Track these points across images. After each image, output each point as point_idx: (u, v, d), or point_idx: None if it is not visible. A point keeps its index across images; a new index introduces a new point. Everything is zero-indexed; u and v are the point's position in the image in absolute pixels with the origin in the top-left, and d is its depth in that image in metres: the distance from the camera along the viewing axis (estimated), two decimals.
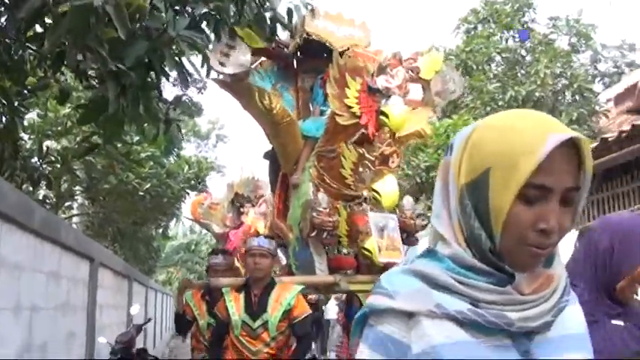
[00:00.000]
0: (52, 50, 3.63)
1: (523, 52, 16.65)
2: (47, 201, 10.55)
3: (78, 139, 9.21)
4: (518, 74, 16.32)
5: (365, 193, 5.07)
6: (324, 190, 4.99)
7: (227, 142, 27.62)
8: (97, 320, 7.44)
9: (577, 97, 15.40)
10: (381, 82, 4.64)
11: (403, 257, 4.94)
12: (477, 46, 16.58)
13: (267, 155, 6.07)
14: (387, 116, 4.60)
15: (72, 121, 9.02)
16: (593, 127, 15.29)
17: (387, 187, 4.83)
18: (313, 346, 8.25)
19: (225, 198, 9.54)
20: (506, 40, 17.32)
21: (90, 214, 12.58)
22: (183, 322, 5.54)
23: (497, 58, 17.13)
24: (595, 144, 8.64)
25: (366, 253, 4.92)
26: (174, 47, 3.69)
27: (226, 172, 28.20)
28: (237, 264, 6.67)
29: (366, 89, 4.74)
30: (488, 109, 15.31)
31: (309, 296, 6.10)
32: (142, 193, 10.77)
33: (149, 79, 3.75)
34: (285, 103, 5.47)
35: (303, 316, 4.47)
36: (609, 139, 8.10)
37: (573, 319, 1.24)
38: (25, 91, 5.34)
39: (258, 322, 4.26)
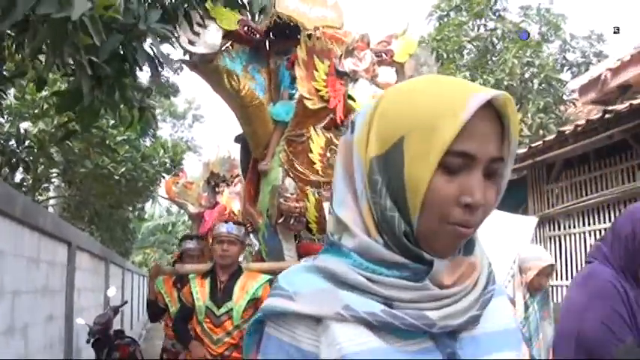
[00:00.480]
0: (33, 53, 3.79)
1: (494, 40, 16.38)
2: (24, 184, 10.58)
3: (55, 122, 9.00)
4: (489, 62, 16.19)
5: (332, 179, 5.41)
6: (293, 176, 4.82)
7: (203, 122, 27.51)
8: (75, 303, 7.43)
9: (544, 86, 15.32)
10: (348, 64, 4.51)
11: None
12: (448, 34, 16.37)
13: (238, 139, 5.84)
14: (354, 100, 4.46)
15: (48, 104, 8.83)
16: (561, 115, 15.28)
17: None
18: None
19: (201, 177, 9.21)
20: (478, 28, 17.04)
21: (66, 197, 12.42)
22: (155, 310, 5.40)
23: (469, 46, 16.90)
24: (553, 136, 8.77)
25: None
26: (146, 40, 3.91)
27: (202, 152, 28.08)
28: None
29: (334, 72, 4.58)
30: None
31: None
32: (117, 177, 10.60)
33: (123, 69, 3.76)
34: (257, 85, 5.27)
35: None
36: (566, 132, 8.14)
37: (501, 312, 1.09)
38: (3, 77, 5.28)
39: (223, 310, 4.15)
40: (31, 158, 8.63)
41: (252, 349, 1.04)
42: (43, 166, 10.32)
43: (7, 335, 4.69)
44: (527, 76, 15.34)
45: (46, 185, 12.03)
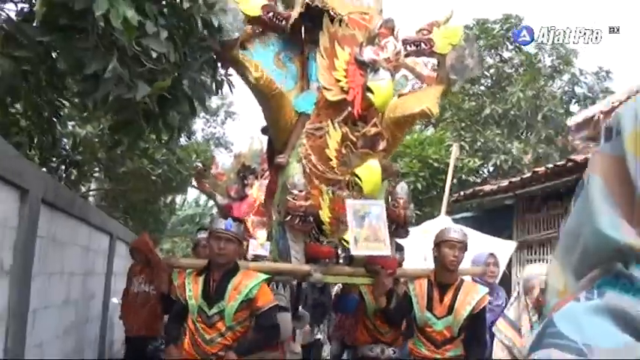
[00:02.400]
0: (96, 104, 4.63)
1: (507, 69, 16.19)
2: (72, 178, 11.60)
3: (101, 125, 9.18)
4: (497, 94, 16.01)
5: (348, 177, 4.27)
6: (309, 172, 4.26)
7: (235, 119, 27.98)
8: (112, 284, 8.07)
9: (548, 118, 15.38)
10: (368, 53, 3.96)
11: (389, 250, 4.15)
12: None
13: (265, 130, 5.25)
14: (372, 92, 3.89)
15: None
16: (563, 146, 15.12)
17: (369, 172, 4.02)
18: (316, 330, 7.50)
19: (232, 169, 8.73)
20: (494, 57, 16.81)
21: (106, 190, 12.69)
22: (168, 302, 4.64)
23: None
24: (529, 174, 8.89)
25: (345, 244, 4.23)
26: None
27: (234, 148, 28.56)
28: None
29: (354, 61, 4.04)
30: (465, 124, 15.33)
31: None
32: (154, 177, 11.00)
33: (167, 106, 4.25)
34: (288, 73, 4.70)
35: (268, 307, 3.82)
36: (539, 172, 8.46)
37: None
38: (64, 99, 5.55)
39: (214, 310, 3.73)
40: (81, 158, 8.92)
41: None
42: (87, 164, 10.95)
43: (62, 307, 5.36)
44: (532, 108, 15.33)
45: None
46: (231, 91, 4.93)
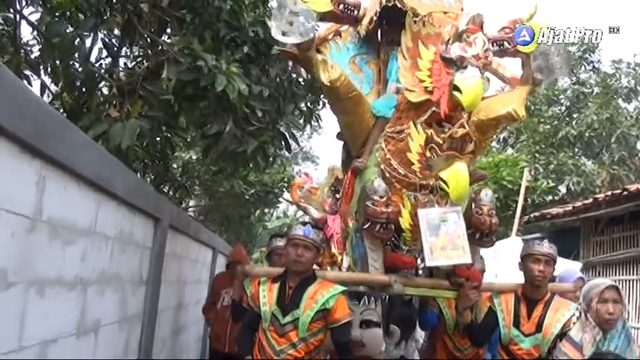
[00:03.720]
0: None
1: (584, 91, 15.62)
2: (176, 196, 12.69)
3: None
4: (573, 116, 15.58)
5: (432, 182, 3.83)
6: (389, 176, 3.88)
7: (321, 133, 28.29)
8: None
9: (621, 141, 14.93)
10: (455, 50, 3.53)
11: (469, 257, 3.71)
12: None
13: (340, 135, 4.92)
14: (460, 91, 3.43)
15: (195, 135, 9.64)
16: (633, 168, 14.78)
17: (456, 176, 3.57)
18: (403, 345, 6.74)
19: (326, 182, 8.33)
20: (571, 79, 16.28)
21: (204, 206, 13.51)
22: (240, 311, 4.13)
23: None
24: (590, 200, 9.28)
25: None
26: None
27: (320, 162, 29.28)
28: (333, 250, 5.63)
29: (440, 59, 3.61)
30: (539, 147, 15.12)
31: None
32: (247, 197, 11.90)
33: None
34: (365, 77, 4.44)
35: (344, 321, 3.42)
36: (599, 199, 8.89)
37: None
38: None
39: (288, 318, 3.38)
40: (188, 182, 9.81)
41: None
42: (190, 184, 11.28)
43: (178, 309, 5.95)
44: (606, 130, 14.93)
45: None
46: (319, 124, 5.51)
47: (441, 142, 3.62)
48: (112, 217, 3.32)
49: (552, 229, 11.05)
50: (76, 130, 2.65)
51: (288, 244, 3.58)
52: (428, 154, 3.70)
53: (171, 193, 8.96)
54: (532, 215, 10.83)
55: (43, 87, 5.16)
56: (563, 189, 14.27)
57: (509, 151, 15.95)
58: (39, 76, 5.15)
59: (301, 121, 6.62)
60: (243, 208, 13.16)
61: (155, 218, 4.45)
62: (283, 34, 3.77)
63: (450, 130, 3.63)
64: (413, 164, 3.78)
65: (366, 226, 3.76)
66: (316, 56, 3.91)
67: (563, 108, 16.52)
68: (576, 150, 15.64)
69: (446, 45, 3.61)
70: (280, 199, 13.74)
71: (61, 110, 4.83)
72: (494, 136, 6.43)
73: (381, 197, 3.74)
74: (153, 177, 7.37)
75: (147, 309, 4.33)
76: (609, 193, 8.57)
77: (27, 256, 2.15)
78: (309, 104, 5.95)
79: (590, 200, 8.96)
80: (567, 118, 15.62)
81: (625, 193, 7.75)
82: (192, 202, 13.77)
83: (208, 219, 13.70)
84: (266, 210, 18.36)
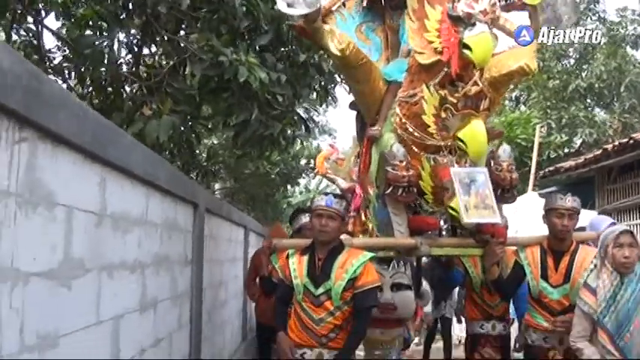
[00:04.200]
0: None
1: (593, 43, 14.79)
2: (204, 181, 12.81)
3: (225, 136, 10.38)
4: (583, 68, 15.39)
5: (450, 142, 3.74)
6: (407, 140, 3.80)
7: (337, 106, 28.50)
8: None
9: (630, 88, 14.78)
10: (462, 7, 3.42)
11: (499, 217, 3.64)
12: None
13: (352, 105, 4.81)
14: (470, 49, 3.34)
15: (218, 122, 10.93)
16: (631, 119, 14.58)
17: (474, 134, 3.53)
18: (443, 305, 7.29)
19: (352, 151, 8.19)
20: (579, 32, 17.75)
21: (229, 188, 13.85)
22: (269, 285, 4.27)
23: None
24: (599, 151, 9.34)
25: (452, 212, 3.63)
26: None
27: (337, 134, 29.34)
28: (364, 218, 5.04)
29: (447, 18, 3.49)
30: (550, 102, 15.12)
31: None
32: (272, 176, 12.24)
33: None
34: (372, 45, 4.35)
35: (368, 287, 3.34)
36: (608, 149, 8.95)
37: None
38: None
39: (321, 290, 3.35)
40: (213, 166, 10.08)
41: None
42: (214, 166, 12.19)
43: (219, 286, 6.17)
44: (615, 79, 14.77)
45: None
46: (334, 102, 5.67)
47: (456, 101, 3.56)
48: (158, 207, 3.63)
49: (567, 182, 11.05)
50: (125, 135, 3.01)
51: (313, 215, 3.53)
52: (443, 115, 3.65)
53: (199, 178, 9.25)
54: (547, 170, 10.89)
55: (69, 90, 5.36)
56: (577, 141, 14.21)
57: (522, 109, 15.80)
58: (64, 80, 5.40)
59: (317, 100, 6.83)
60: (268, 186, 13.42)
61: (194, 204, 4.72)
62: (289, 5, 3.73)
63: (464, 88, 3.57)
64: (429, 126, 3.73)
65: (388, 191, 3.72)
66: (323, 27, 3.86)
67: (572, 61, 16.25)
68: (588, 102, 15.40)
69: (452, 3, 3.49)
70: (304, 175, 14.07)
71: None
72: (507, 92, 6.12)
73: (401, 161, 3.68)
74: (181, 165, 7.61)
75: (193, 286, 4.68)
76: (617, 142, 8.66)
77: (97, 246, 2.51)
78: (322, 83, 6.24)
79: (600, 151, 9.10)
80: (577, 71, 15.45)
81: (632, 141, 7.92)
82: (217, 185, 14.07)
83: (234, 199, 14.00)
84: (289, 187, 18.53)
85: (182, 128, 5.69)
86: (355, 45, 3.86)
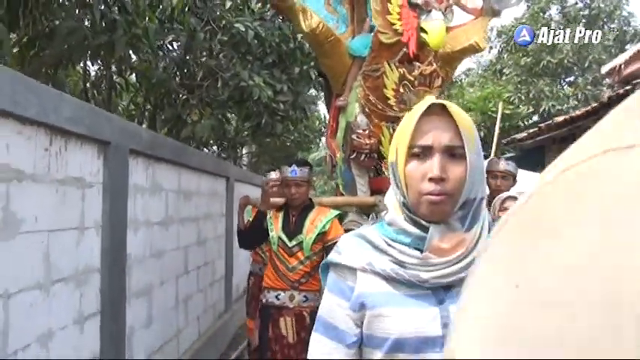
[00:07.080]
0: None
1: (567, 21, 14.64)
2: (235, 150, 12.24)
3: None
4: (554, 45, 15.05)
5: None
6: (369, 111, 3.89)
7: None
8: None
9: (594, 65, 14.90)
10: None
11: None
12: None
13: (321, 73, 4.86)
14: (426, 33, 3.49)
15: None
16: (594, 91, 14.72)
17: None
18: None
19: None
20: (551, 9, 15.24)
21: (253, 153, 14.64)
22: (244, 238, 4.29)
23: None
24: (547, 123, 9.45)
25: None
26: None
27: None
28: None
29: (407, 4, 3.59)
30: (521, 79, 15.28)
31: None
32: (288, 144, 13.17)
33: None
34: (340, 17, 4.29)
35: (336, 240, 2.79)
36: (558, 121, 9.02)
37: None
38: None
39: (294, 242, 3.54)
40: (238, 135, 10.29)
41: (324, 279, 1.27)
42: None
43: (200, 245, 5.68)
44: (580, 57, 14.83)
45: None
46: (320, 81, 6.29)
47: (413, 79, 3.60)
48: (209, 184, 5.29)
49: (524, 149, 11.60)
50: (188, 148, 4.73)
51: (283, 185, 3.63)
52: (402, 90, 3.71)
53: (229, 147, 10.25)
54: (504, 141, 11.22)
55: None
56: (535, 117, 14.13)
57: (492, 87, 15.93)
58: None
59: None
60: (287, 150, 14.14)
61: (226, 177, 6.22)
62: None
63: (420, 68, 3.61)
64: (389, 99, 3.77)
65: (353, 156, 3.78)
66: (295, 6, 3.77)
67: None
68: (555, 77, 15.20)
69: None
70: (316, 142, 14.28)
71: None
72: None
73: (364, 130, 3.76)
74: (218, 145, 9.00)
75: (227, 231, 6.32)
76: (561, 118, 9.29)
77: (177, 209, 4.45)
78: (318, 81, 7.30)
79: (544, 125, 9.69)
80: (548, 48, 15.29)
81: (569, 118, 8.67)
82: (245, 150, 14.68)
83: (259, 161, 14.64)
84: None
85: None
86: (325, 24, 3.78)
